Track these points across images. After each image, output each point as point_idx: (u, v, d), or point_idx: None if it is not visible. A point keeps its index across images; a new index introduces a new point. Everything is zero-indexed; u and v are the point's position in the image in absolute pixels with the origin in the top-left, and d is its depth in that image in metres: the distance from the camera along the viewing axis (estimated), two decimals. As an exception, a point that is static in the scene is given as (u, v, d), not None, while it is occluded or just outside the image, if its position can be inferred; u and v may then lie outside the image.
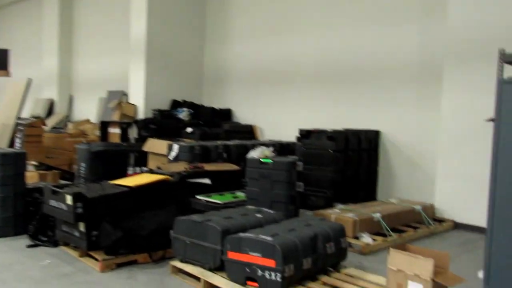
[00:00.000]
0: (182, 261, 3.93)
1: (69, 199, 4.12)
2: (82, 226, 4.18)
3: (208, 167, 6.23)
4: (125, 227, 4.17)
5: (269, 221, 4.10)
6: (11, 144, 8.32)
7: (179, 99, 9.69)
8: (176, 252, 4.00)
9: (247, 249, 3.41)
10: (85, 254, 4.28)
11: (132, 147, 5.85)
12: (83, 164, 5.84)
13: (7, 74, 7.25)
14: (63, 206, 4.21)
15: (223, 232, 3.69)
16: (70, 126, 10.00)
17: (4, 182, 5.03)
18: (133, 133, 8.84)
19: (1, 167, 5.02)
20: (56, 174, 7.24)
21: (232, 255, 3.51)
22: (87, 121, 10.17)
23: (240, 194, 5.79)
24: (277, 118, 8.73)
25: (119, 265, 4.09)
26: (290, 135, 8.24)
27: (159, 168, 6.13)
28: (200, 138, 8.13)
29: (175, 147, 6.90)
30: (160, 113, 8.92)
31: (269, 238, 3.36)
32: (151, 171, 5.28)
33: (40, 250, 4.58)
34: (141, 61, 9.38)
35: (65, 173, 7.63)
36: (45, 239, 4.78)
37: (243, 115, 9.42)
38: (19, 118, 8.45)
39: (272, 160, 4.96)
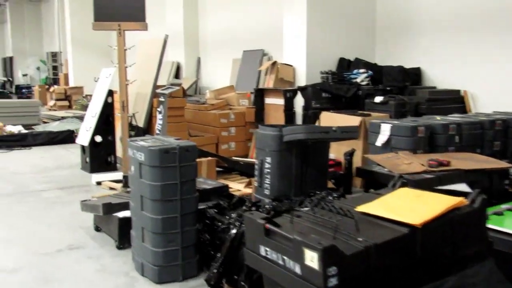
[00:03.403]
0: None
1: (313, 259, 2.06)
2: (335, 311, 2.11)
3: (458, 163, 3.92)
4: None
5: None
6: (149, 120, 6.63)
7: (348, 57, 7.39)
8: None
9: None
10: None
11: (345, 132, 3.69)
12: (268, 159, 3.83)
13: (144, 27, 5.40)
14: (295, 268, 2.17)
15: None
16: (209, 94, 8.16)
17: (166, 195, 3.14)
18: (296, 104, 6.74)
19: (160, 172, 3.12)
20: (212, 162, 5.37)
21: None
22: (230, 88, 8.27)
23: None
24: (501, 80, 6.11)
25: None
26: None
27: (377, 165, 3.97)
28: (396, 112, 5.82)
29: (385, 127, 4.66)
30: (332, 76, 6.69)
31: None
32: (402, 182, 3.06)
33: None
34: (300, 9, 7.14)
35: (219, 158, 5.76)
36: (238, 295, 2.86)
37: (439, 77, 6.89)
38: (156, 86, 6.71)
39: None
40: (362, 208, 2.57)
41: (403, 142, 4.47)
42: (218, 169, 5.84)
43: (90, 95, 15.29)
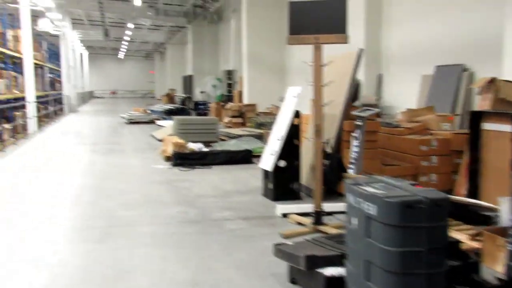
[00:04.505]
0: None
1: None
2: None
3: None
4: None
5: None
6: (338, 146, 5.85)
7: None
8: None
9: None
10: None
11: None
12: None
13: (344, 39, 4.65)
14: None
15: None
16: (402, 116, 7.11)
17: (407, 267, 2.24)
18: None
19: (401, 233, 2.24)
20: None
21: None
22: (428, 109, 7.10)
23: None
24: None
25: None
26: None
27: None
28: None
29: None
30: None
31: None
32: None
33: None
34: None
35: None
36: None
37: None
38: (348, 105, 5.91)
39: None
40: None
41: None
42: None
43: (264, 113, 15.31)
